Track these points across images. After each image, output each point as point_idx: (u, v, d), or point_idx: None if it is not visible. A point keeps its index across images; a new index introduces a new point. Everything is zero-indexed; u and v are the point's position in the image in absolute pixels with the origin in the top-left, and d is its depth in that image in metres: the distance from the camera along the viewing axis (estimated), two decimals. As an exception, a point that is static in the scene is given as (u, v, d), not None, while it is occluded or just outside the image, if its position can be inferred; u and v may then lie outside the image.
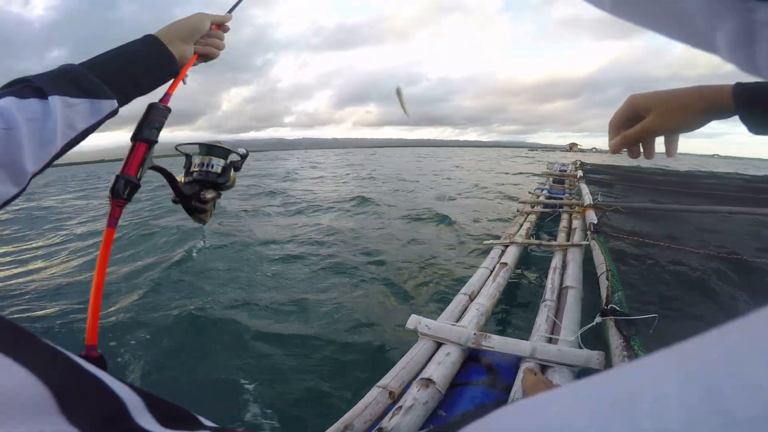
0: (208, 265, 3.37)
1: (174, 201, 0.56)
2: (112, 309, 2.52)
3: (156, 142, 0.50)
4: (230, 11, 0.70)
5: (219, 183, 0.58)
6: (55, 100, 0.42)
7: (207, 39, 0.63)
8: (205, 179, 0.58)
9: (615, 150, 0.51)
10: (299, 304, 2.52)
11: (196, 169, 0.58)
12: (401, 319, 2.11)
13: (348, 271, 3.17)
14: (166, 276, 3.16)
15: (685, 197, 3.96)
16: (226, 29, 0.68)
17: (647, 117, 0.45)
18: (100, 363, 0.36)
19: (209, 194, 0.57)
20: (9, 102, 0.39)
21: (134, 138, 0.48)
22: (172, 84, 0.57)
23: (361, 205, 6.70)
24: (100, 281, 0.40)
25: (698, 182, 5.34)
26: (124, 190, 0.44)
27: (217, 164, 0.59)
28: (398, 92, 0.89)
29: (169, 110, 0.53)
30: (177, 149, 0.59)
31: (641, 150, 0.50)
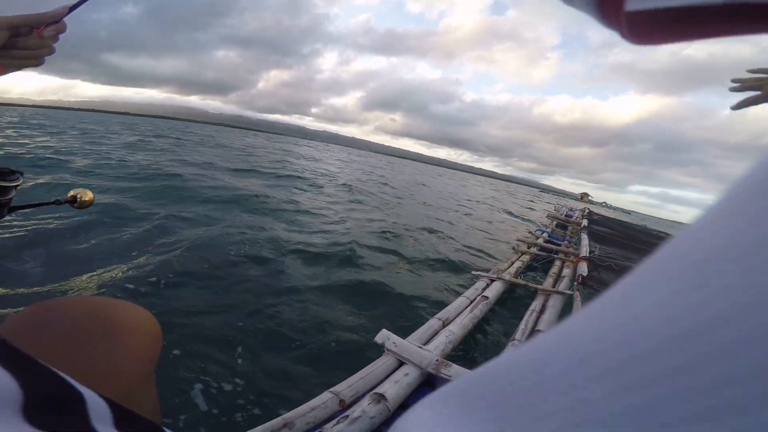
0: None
1: None
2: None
3: None
4: (71, 8, 0.55)
5: None
6: None
7: (10, 51, 0.52)
8: None
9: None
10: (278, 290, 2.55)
11: None
12: (371, 329, 2.12)
13: (333, 264, 3.20)
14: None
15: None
16: (55, 29, 0.54)
17: None
18: None
19: None
20: None
21: None
22: None
23: (359, 203, 6.74)
24: None
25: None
26: None
27: None
28: None
29: None
30: None
31: None
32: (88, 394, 0.25)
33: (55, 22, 0.53)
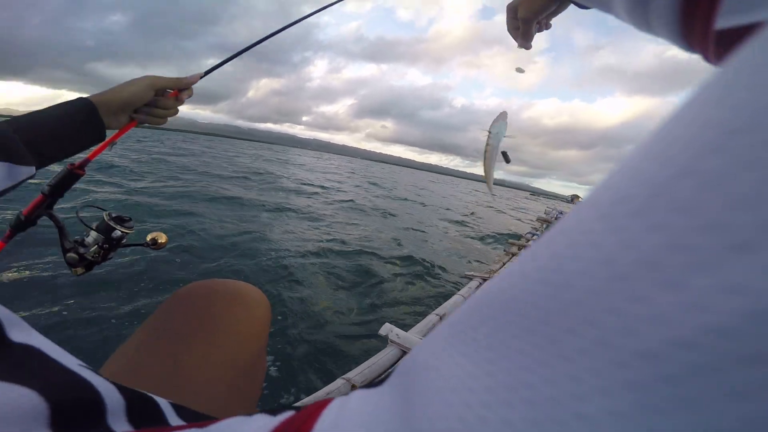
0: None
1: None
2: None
3: (54, 200, 0.57)
4: (203, 75, 0.63)
5: (80, 254, 0.62)
6: None
7: (152, 109, 0.58)
8: (77, 246, 0.63)
9: (526, 43, 0.53)
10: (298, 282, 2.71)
11: (83, 236, 0.65)
12: (376, 322, 2.27)
13: (347, 266, 3.37)
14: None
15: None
16: (187, 94, 0.62)
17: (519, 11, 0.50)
18: None
19: (68, 256, 0.61)
20: None
21: (42, 189, 0.56)
22: (95, 150, 0.57)
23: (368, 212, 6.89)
24: None
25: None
26: (16, 225, 0.56)
27: (90, 237, 0.63)
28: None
29: (81, 176, 0.57)
30: (78, 215, 0.64)
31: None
32: (104, 388, 0.26)
33: (187, 87, 0.61)
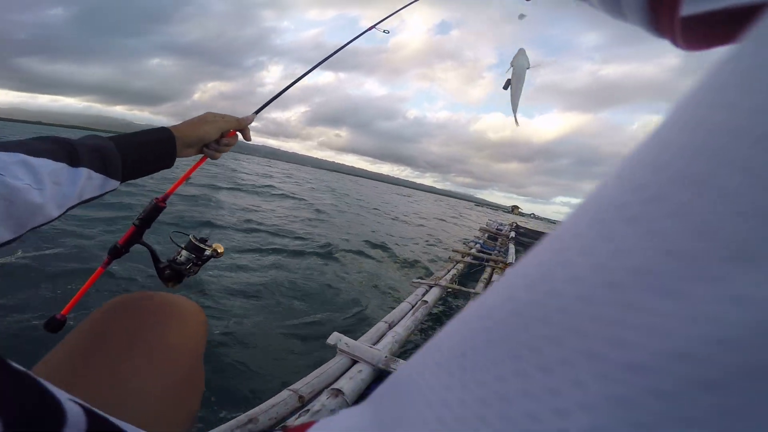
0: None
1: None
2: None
3: (143, 231, 0.67)
4: (256, 113, 0.75)
5: (175, 270, 0.73)
6: (83, 172, 0.44)
7: (217, 146, 0.67)
8: (172, 264, 0.74)
9: None
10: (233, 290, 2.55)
11: (175, 255, 0.76)
12: (323, 332, 2.22)
13: (287, 270, 3.25)
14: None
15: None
16: (249, 132, 0.72)
17: None
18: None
19: (167, 273, 0.72)
20: (44, 163, 0.40)
21: (134, 221, 0.66)
22: (174, 186, 0.69)
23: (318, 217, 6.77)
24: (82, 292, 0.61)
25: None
26: (113, 252, 0.65)
27: (182, 257, 0.75)
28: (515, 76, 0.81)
29: (163, 208, 0.67)
30: (172, 239, 0.77)
31: None
32: (68, 407, 0.25)
33: (245, 127, 0.71)
